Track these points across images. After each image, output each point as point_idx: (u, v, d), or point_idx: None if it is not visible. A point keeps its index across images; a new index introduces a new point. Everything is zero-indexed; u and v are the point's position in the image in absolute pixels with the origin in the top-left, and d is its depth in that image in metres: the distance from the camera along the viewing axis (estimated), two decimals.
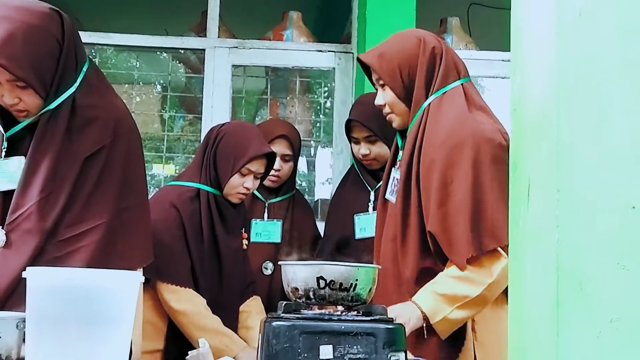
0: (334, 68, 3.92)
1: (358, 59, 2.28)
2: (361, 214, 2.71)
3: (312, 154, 4.33)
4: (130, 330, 1.56)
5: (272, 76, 4.06)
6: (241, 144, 2.53)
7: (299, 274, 1.55)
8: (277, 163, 2.65)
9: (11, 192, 1.77)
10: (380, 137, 2.59)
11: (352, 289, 1.53)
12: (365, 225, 2.68)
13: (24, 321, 1.54)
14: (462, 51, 4.03)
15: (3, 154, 1.82)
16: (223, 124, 2.69)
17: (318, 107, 4.10)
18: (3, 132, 1.84)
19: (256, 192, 2.86)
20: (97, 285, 1.49)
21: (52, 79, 1.78)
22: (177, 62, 4.18)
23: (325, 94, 4.13)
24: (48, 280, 1.50)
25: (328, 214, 2.96)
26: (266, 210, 2.90)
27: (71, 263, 1.75)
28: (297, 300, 1.56)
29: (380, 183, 2.57)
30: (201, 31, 4.05)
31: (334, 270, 1.53)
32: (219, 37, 3.91)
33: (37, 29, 1.75)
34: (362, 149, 2.67)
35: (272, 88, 4.06)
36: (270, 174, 2.67)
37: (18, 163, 1.78)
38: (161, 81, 4.26)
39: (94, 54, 3.96)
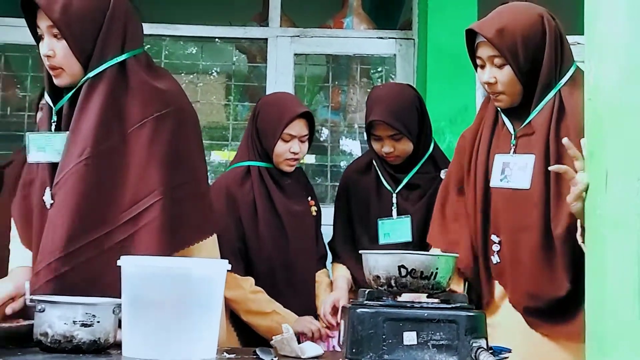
0: (394, 55, 3.94)
1: (467, 31, 2.05)
2: (385, 218, 2.60)
3: None
4: (219, 315, 1.64)
5: (333, 64, 4.10)
6: (277, 111, 2.59)
7: (380, 262, 1.60)
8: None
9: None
10: (405, 134, 2.53)
11: (432, 277, 1.57)
12: (389, 230, 2.59)
13: (120, 307, 1.63)
14: None
15: (53, 127, 1.91)
16: (259, 99, 2.77)
17: None
18: (52, 105, 1.93)
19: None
20: (188, 272, 1.57)
21: (92, 42, 1.86)
22: (240, 51, 4.24)
23: (386, 81, 4.15)
24: (142, 268, 1.58)
25: (346, 207, 2.75)
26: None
27: (137, 245, 1.80)
28: (379, 288, 1.62)
29: (401, 186, 2.59)
30: (263, 20, 4.11)
31: (415, 259, 1.58)
32: (280, 26, 3.97)
33: None
34: (386, 147, 2.56)
35: (334, 75, 4.10)
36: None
37: (65, 137, 1.86)
38: (225, 71, 4.33)
39: (159, 45, 4.06)
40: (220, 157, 4.61)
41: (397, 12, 4.80)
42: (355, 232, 2.66)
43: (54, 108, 1.92)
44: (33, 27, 1.91)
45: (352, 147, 4.49)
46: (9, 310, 1.82)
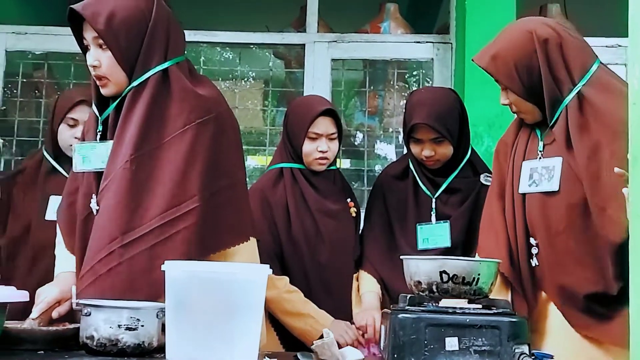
0: (432, 59, 3.92)
1: (473, 61, 2.15)
2: (423, 223, 2.58)
3: None
4: (261, 319, 1.65)
5: (370, 68, 4.10)
6: (302, 111, 2.63)
7: (421, 268, 1.61)
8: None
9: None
10: (447, 138, 2.51)
11: (474, 283, 1.57)
12: (428, 235, 2.57)
13: (163, 310, 1.65)
14: None
15: (98, 136, 1.96)
16: (289, 103, 2.81)
17: None
18: (98, 115, 1.98)
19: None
20: (230, 277, 1.59)
21: (136, 52, 1.90)
22: (277, 57, 4.27)
23: (423, 85, 4.14)
24: (185, 273, 1.60)
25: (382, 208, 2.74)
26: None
27: (171, 249, 1.82)
28: (420, 293, 1.62)
29: (440, 191, 2.58)
30: (300, 26, 4.13)
31: (457, 264, 1.58)
32: (317, 32, 3.99)
33: (129, 0, 1.91)
34: (426, 151, 2.55)
35: (370, 80, 4.10)
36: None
37: (110, 146, 1.91)
38: (262, 76, 4.36)
39: (197, 51, 4.10)
40: (256, 161, 4.65)
41: (434, 16, 4.79)
42: (393, 237, 2.65)
43: (100, 118, 1.97)
44: (80, 37, 1.96)
45: (389, 151, 4.49)
46: (55, 314, 1.86)
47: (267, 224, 2.52)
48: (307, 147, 2.57)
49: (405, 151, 4.09)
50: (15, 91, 4.02)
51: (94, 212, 1.90)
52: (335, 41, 3.94)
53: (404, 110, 2.73)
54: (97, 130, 1.97)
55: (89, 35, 1.91)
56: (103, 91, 1.94)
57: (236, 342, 1.58)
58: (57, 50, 3.97)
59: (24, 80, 4.04)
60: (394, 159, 4.14)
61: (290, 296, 2.49)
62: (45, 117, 4.04)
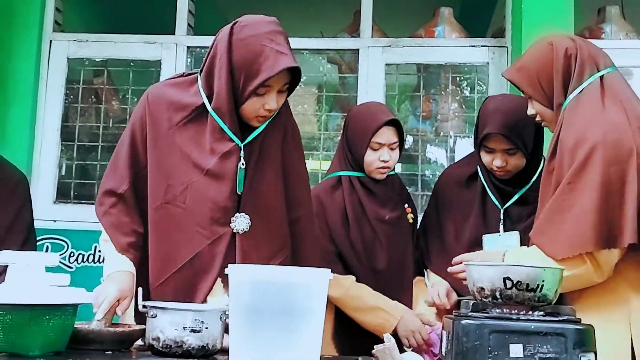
0: (487, 63, 3.89)
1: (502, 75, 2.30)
2: (490, 234, 2.51)
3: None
4: (322, 323, 1.66)
5: (424, 73, 4.08)
6: (364, 120, 2.61)
7: (484, 274, 1.60)
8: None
9: None
10: (521, 149, 2.44)
11: (538, 289, 1.55)
12: (494, 246, 2.48)
13: (227, 313, 1.68)
14: (622, 41, 3.91)
15: (241, 162, 2.03)
16: (349, 110, 2.80)
17: (471, 103, 4.09)
18: (239, 140, 2.04)
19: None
20: (292, 281, 1.61)
21: None
22: (330, 62, 4.28)
23: (479, 90, 4.11)
24: (248, 276, 1.62)
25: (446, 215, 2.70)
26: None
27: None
28: (483, 299, 1.61)
29: (511, 202, 2.52)
30: (354, 31, 4.15)
31: (521, 271, 1.56)
32: (371, 37, 3.99)
33: None
34: (498, 161, 2.47)
35: (424, 85, 4.08)
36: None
37: None
38: (316, 82, 4.38)
39: None
40: (310, 166, 4.66)
41: (487, 20, 4.75)
42: (456, 243, 2.60)
43: (240, 144, 2.04)
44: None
45: (442, 156, 4.46)
46: (119, 311, 1.91)
47: (324, 228, 2.53)
48: (369, 156, 2.57)
49: (456, 157, 4.12)
50: (76, 97, 4.13)
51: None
52: (390, 46, 3.94)
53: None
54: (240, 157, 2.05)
55: (277, 82, 1.99)
56: (257, 123, 2.06)
57: (298, 346, 1.59)
58: (116, 57, 4.06)
59: (85, 86, 4.15)
60: (446, 164, 4.12)
61: (358, 292, 2.50)
62: (105, 122, 4.15)
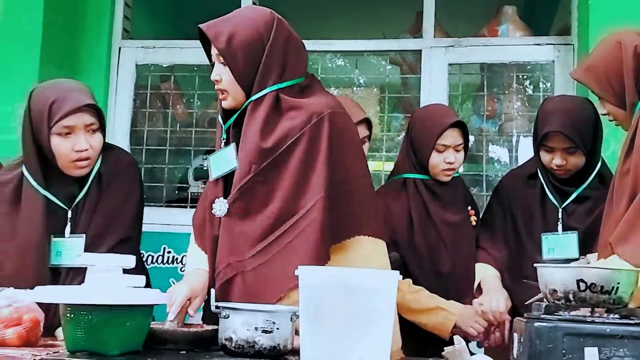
0: (552, 61, 3.82)
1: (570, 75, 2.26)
2: (549, 233, 2.52)
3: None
4: (392, 325, 1.66)
5: (488, 72, 4.04)
6: (429, 122, 2.61)
7: (556, 276, 1.58)
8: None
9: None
10: (581, 148, 2.44)
11: (613, 292, 1.53)
12: (554, 245, 2.50)
13: (297, 314, 1.70)
14: None
15: (223, 143, 2.09)
16: (413, 112, 2.79)
17: (536, 102, 4.03)
18: (222, 124, 2.10)
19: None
20: (361, 283, 1.62)
21: (253, 72, 2.00)
22: (392, 63, 4.28)
23: (543, 88, 4.04)
24: (318, 278, 1.64)
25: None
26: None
27: (299, 246, 1.92)
28: (556, 302, 1.59)
29: (569, 201, 2.50)
30: (416, 32, 4.14)
31: (595, 273, 1.54)
32: (434, 37, 3.97)
33: (248, 20, 2.03)
34: (557, 159, 2.47)
35: (488, 84, 4.04)
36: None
37: (232, 150, 2.04)
38: (378, 83, 4.39)
39: (314, 60, 4.18)
40: (373, 167, 4.67)
41: (551, 17, 4.67)
42: (519, 244, 2.61)
43: (223, 126, 2.10)
44: (209, 53, 2.11)
45: (506, 156, 4.41)
46: (191, 312, 1.96)
47: (387, 231, 2.53)
48: (434, 159, 2.58)
49: (519, 156, 4.07)
50: (143, 102, 4.23)
51: (219, 214, 2.02)
52: (452, 46, 3.91)
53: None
54: (222, 138, 2.09)
55: (213, 51, 2.06)
56: (223, 104, 2.08)
57: (368, 348, 1.60)
58: (182, 62, 4.16)
59: (152, 91, 4.25)
60: (510, 164, 4.07)
61: (416, 295, 2.51)
62: (172, 126, 4.24)
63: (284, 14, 2.11)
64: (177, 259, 3.97)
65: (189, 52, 4.05)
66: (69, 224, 2.21)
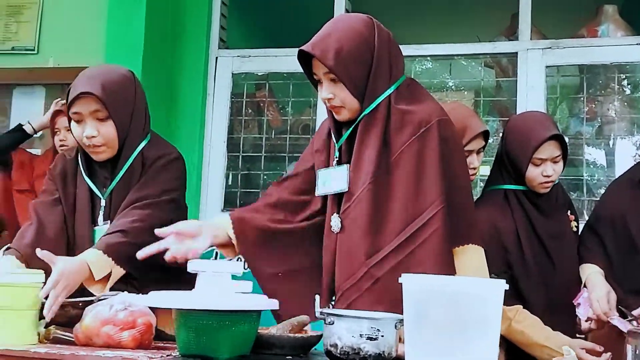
0: None
1: None
2: None
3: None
4: (498, 334, 1.65)
5: (587, 74, 3.93)
6: (524, 135, 2.51)
7: None
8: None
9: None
10: None
11: None
12: None
13: (401, 322, 1.71)
14: None
15: (335, 162, 2.06)
16: (507, 121, 2.70)
17: (638, 103, 3.89)
18: (335, 142, 2.07)
19: None
20: (468, 292, 1.60)
21: (364, 80, 1.97)
22: (487, 67, 4.22)
23: None
24: (422, 286, 1.64)
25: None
26: None
27: (423, 256, 1.90)
28: None
29: None
30: (511, 34, 4.06)
31: None
32: (530, 39, 3.90)
33: (353, 31, 1.97)
34: None
35: (587, 86, 3.93)
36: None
37: (345, 171, 2.01)
38: (473, 87, 4.34)
39: (409, 65, 4.17)
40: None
41: None
42: (634, 250, 2.51)
43: (336, 144, 2.07)
44: (309, 72, 2.06)
45: (606, 159, 4.26)
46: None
47: (497, 250, 2.46)
48: (531, 172, 2.50)
49: (618, 159, 3.92)
50: (239, 110, 4.33)
51: (335, 230, 2.02)
52: (550, 48, 3.83)
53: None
54: (335, 156, 2.07)
55: (319, 71, 2.00)
56: (338, 117, 2.04)
57: (473, 355, 1.59)
58: (277, 70, 4.24)
59: (248, 99, 4.35)
60: (610, 168, 3.94)
61: (521, 327, 2.42)
62: (267, 133, 4.32)
63: (376, 18, 2.10)
64: None
65: (283, 60, 4.13)
66: (101, 212, 2.24)
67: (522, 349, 2.45)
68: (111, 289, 2.04)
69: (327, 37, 1.96)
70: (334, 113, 2.04)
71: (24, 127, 3.87)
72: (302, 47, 1.98)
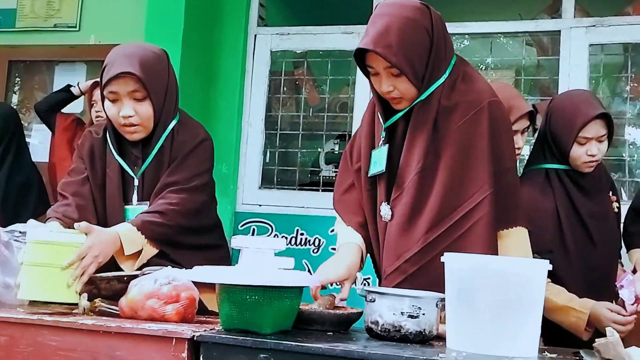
0: None
1: None
2: None
3: None
4: (540, 314, 1.64)
5: (632, 52, 3.85)
6: (570, 114, 2.48)
7: None
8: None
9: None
10: None
11: None
12: None
13: (443, 300, 1.71)
14: None
15: (381, 142, 2.05)
16: (551, 100, 2.66)
17: None
18: (383, 123, 2.05)
19: None
20: (511, 271, 1.60)
21: (424, 68, 1.95)
22: (528, 45, 4.16)
23: None
24: (465, 264, 1.64)
25: None
26: None
27: (472, 239, 1.90)
28: None
29: None
30: (553, 12, 3.99)
31: None
32: (574, 17, 3.82)
33: (410, 21, 1.93)
34: None
35: (632, 65, 3.85)
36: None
37: (385, 151, 2.02)
38: (514, 65, 4.28)
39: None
40: None
41: None
42: None
43: (383, 125, 2.06)
44: (362, 64, 2.02)
45: None
46: (340, 296, 1.99)
47: (539, 231, 2.38)
48: (576, 151, 2.47)
49: None
50: (277, 88, 4.34)
51: (386, 218, 2.02)
52: (594, 26, 3.76)
53: None
54: (381, 136, 2.06)
55: (379, 65, 1.96)
56: (397, 107, 2.02)
57: (515, 336, 1.59)
58: (315, 48, 4.23)
59: (286, 77, 4.34)
60: None
61: (546, 293, 2.41)
62: (305, 111, 4.33)
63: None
64: (309, 240, 4.06)
65: (321, 38, 4.11)
66: (135, 191, 2.26)
67: (547, 318, 2.43)
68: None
69: (386, 32, 1.91)
70: (392, 104, 2.02)
71: (71, 88, 3.92)
72: (361, 45, 1.94)
